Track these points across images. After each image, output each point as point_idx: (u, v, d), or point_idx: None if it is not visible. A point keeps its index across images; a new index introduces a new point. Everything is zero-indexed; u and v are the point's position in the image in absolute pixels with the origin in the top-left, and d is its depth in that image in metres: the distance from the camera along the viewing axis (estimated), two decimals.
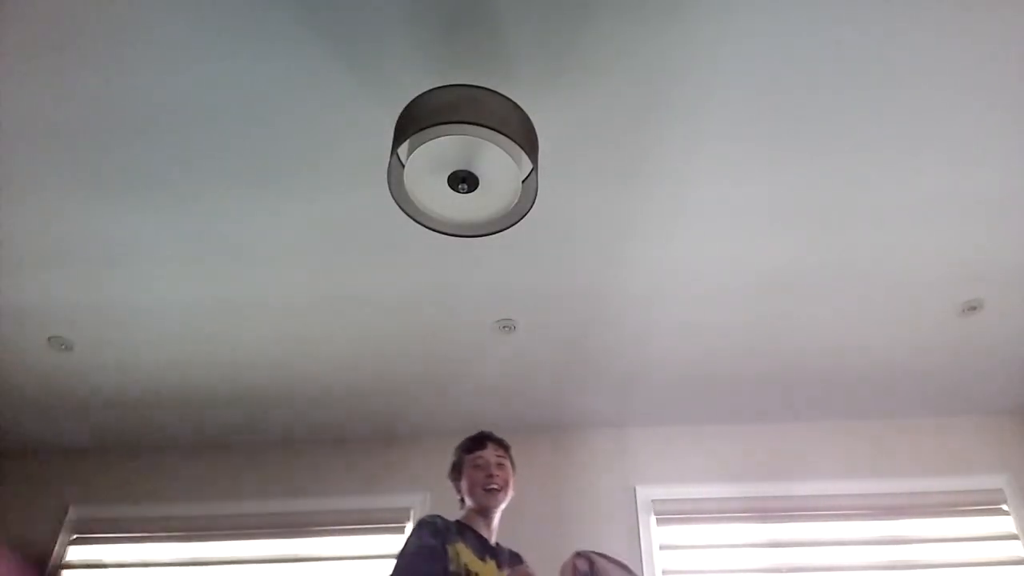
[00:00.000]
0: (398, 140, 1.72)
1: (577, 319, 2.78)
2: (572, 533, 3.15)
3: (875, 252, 2.48)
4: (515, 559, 2.06)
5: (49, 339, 2.82)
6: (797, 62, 1.86)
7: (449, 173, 1.71)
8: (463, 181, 1.71)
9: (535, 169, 1.77)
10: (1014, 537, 3.09)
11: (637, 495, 3.25)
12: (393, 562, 1.88)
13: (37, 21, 1.73)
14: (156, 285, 2.58)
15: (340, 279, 2.58)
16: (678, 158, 2.13)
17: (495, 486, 2.03)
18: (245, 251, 2.44)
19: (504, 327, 2.82)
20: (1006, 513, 3.14)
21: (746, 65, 1.87)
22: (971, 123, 2.03)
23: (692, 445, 3.40)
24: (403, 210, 1.80)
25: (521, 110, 1.77)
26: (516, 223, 1.83)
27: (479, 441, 2.13)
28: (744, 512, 3.21)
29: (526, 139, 1.73)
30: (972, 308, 2.72)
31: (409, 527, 3.22)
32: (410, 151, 1.68)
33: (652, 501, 3.24)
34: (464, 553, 1.87)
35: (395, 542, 3.17)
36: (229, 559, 3.25)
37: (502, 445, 2.14)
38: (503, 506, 2.06)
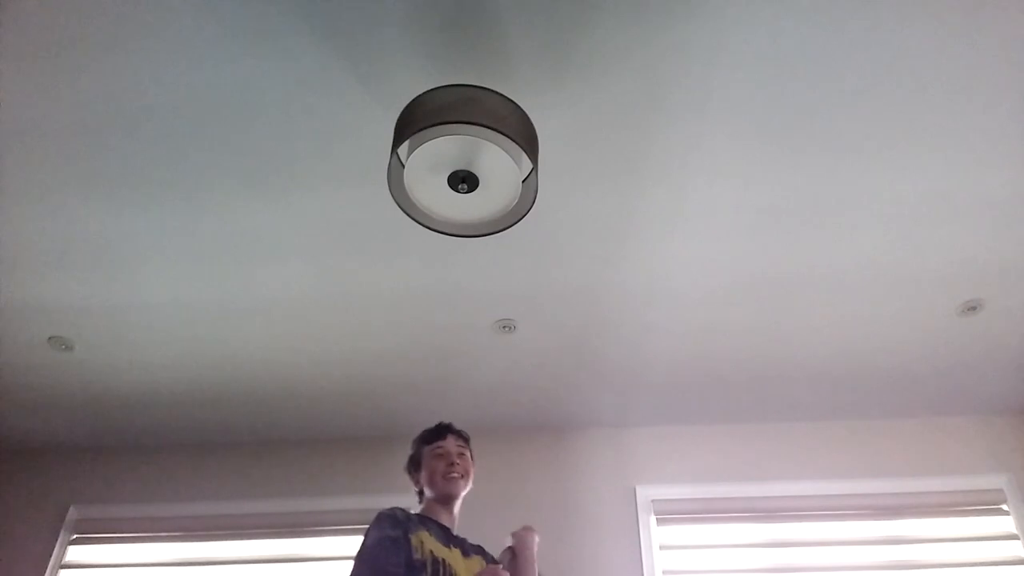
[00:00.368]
0: (398, 140, 1.72)
1: (577, 319, 2.79)
2: (572, 533, 3.15)
3: (875, 252, 2.48)
4: (478, 550, 2.04)
5: (49, 339, 2.82)
6: (796, 63, 1.86)
7: (449, 173, 1.71)
8: (463, 181, 1.71)
9: (535, 169, 1.77)
10: (1014, 537, 3.09)
11: (637, 495, 3.25)
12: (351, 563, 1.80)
13: (37, 22, 1.73)
14: (156, 285, 2.58)
15: (340, 279, 2.58)
16: (678, 158, 2.13)
17: (456, 474, 2.01)
18: (245, 251, 2.45)
19: (504, 327, 2.82)
20: (1006, 513, 3.14)
21: (746, 66, 1.87)
22: (971, 123, 2.03)
23: (692, 445, 3.39)
24: (403, 210, 1.80)
25: (521, 110, 1.77)
26: (516, 223, 1.83)
27: (439, 432, 2.10)
28: (744, 512, 3.21)
29: (526, 139, 1.73)
30: (972, 308, 2.72)
31: None
32: (410, 151, 1.68)
33: (652, 501, 3.24)
34: (428, 541, 1.84)
35: None
36: (229, 559, 3.25)
37: (462, 436, 2.12)
38: (463, 494, 2.05)
